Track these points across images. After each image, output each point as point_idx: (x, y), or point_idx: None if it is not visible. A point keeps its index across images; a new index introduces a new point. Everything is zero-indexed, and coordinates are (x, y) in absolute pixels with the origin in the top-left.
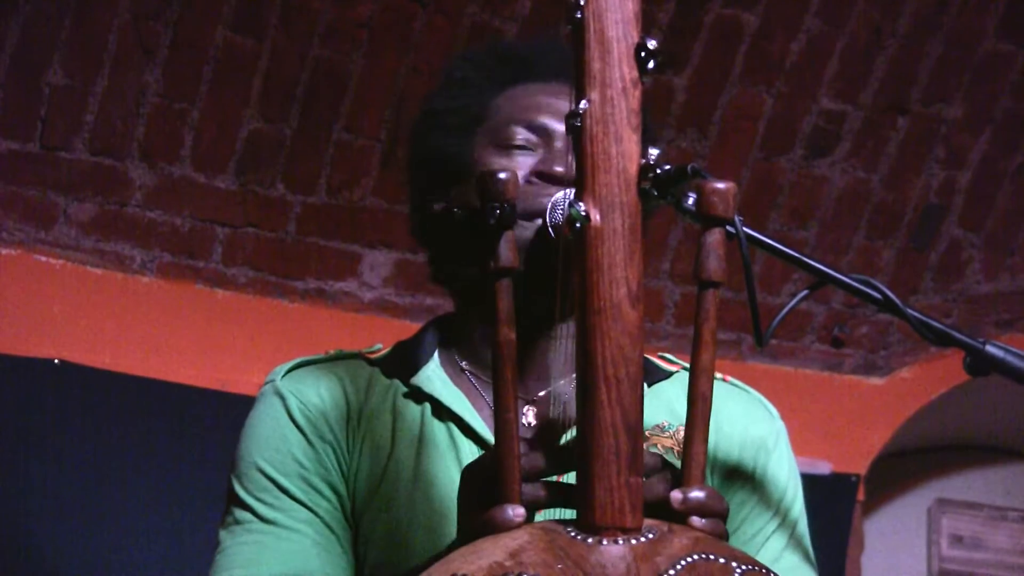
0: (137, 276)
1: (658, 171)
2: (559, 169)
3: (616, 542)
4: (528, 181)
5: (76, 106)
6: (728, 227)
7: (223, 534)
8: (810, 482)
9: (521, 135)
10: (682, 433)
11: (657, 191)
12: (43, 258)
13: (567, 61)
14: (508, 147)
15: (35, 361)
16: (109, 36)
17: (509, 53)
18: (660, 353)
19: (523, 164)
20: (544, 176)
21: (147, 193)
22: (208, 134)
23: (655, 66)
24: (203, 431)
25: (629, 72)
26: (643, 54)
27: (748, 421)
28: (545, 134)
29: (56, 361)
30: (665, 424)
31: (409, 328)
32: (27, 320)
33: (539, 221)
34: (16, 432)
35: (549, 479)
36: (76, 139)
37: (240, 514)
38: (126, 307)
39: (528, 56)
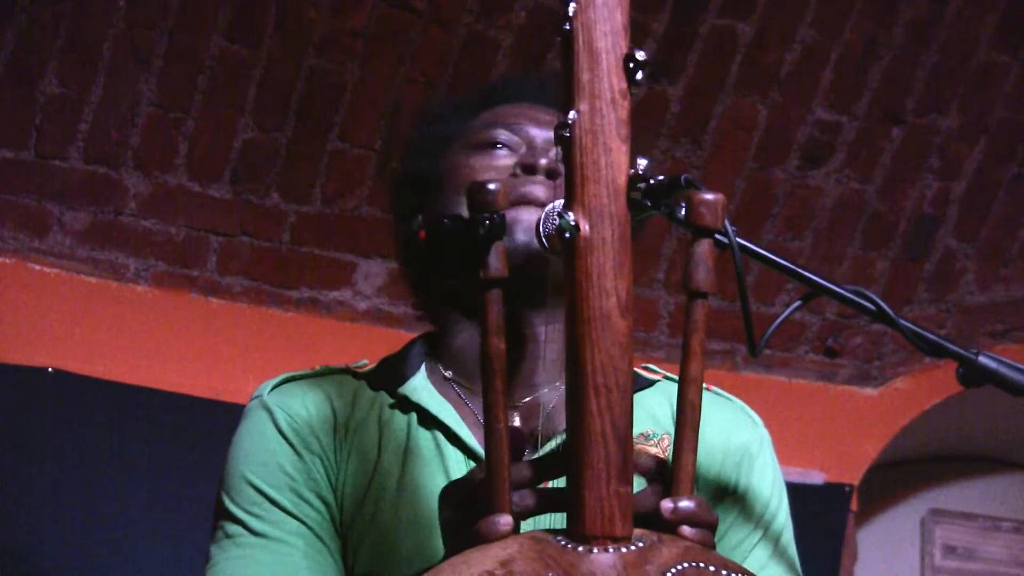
0: (131, 285)
1: (650, 181)
2: (543, 162)
3: (606, 551)
4: (512, 174)
5: (71, 115)
6: (722, 237)
7: (214, 549)
8: (803, 492)
9: (503, 135)
10: (667, 441)
11: (650, 201)
12: (37, 267)
13: (540, 87)
14: (488, 145)
15: (29, 370)
16: (104, 45)
17: (483, 86)
18: (643, 364)
19: (506, 164)
20: (527, 168)
21: (141, 202)
22: (203, 143)
23: (644, 77)
24: (197, 439)
25: (618, 83)
26: (632, 65)
27: (732, 429)
28: (528, 137)
29: (50, 370)
30: (649, 432)
31: (403, 337)
32: (21, 329)
33: (522, 211)
34: (10, 441)
35: (537, 486)
36: (71, 148)
37: (230, 528)
38: (120, 316)
39: (500, 84)
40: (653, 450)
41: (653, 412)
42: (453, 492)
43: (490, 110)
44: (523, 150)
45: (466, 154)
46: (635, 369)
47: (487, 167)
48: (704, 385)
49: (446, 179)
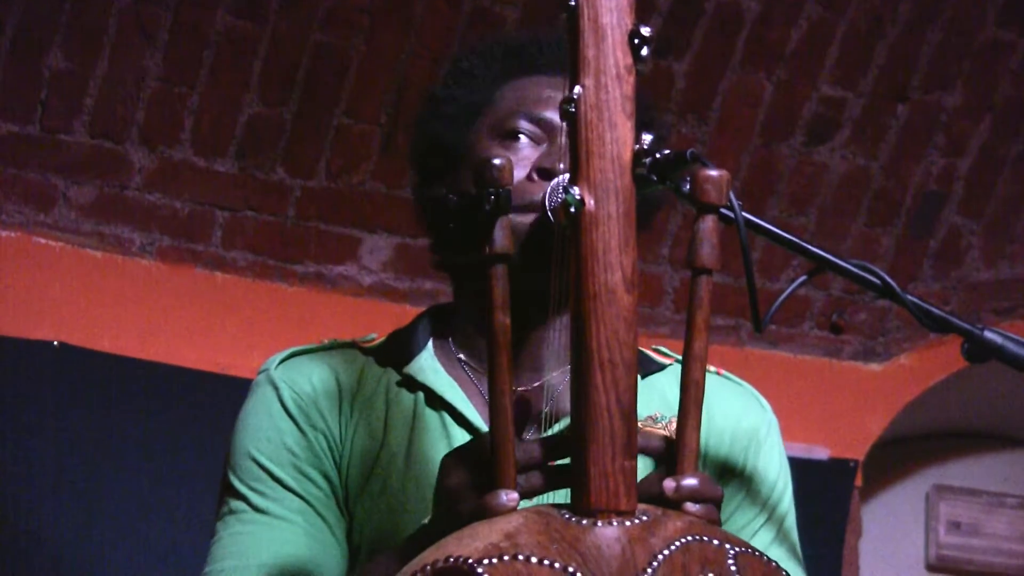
0: (136, 259)
1: (656, 156)
2: (562, 166)
3: (611, 524)
4: (529, 177)
5: (76, 89)
6: (727, 212)
7: (218, 525)
8: (808, 468)
9: (525, 127)
10: (675, 424)
11: (656, 177)
12: (43, 241)
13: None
14: (511, 136)
15: (34, 343)
16: (109, 20)
17: (514, 45)
18: (654, 346)
19: (526, 156)
20: (545, 173)
21: (147, 176)
22: (208, 118)
23: (649, 53)
24: (202, 414)
25: (623, 58)
26: (637, 41)
27: (740, 413)
28: (549, 128)
29: (55, 344)
30: (658, 415)
31: (408, 312)
32: (26, 303)
33: (535, 215)
34: (15, 414)
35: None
36: (76, 122)
37: (234, 504)
38: (125, 290)
39: (532, 49)
40: (661, 433)
41: (664, 395)
42: (457, 460)
43: (518, 83)
44: (544, 146)
45: (488, 137)
46: (647, 352)
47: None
48: (715, 369)
49: (467, 156)
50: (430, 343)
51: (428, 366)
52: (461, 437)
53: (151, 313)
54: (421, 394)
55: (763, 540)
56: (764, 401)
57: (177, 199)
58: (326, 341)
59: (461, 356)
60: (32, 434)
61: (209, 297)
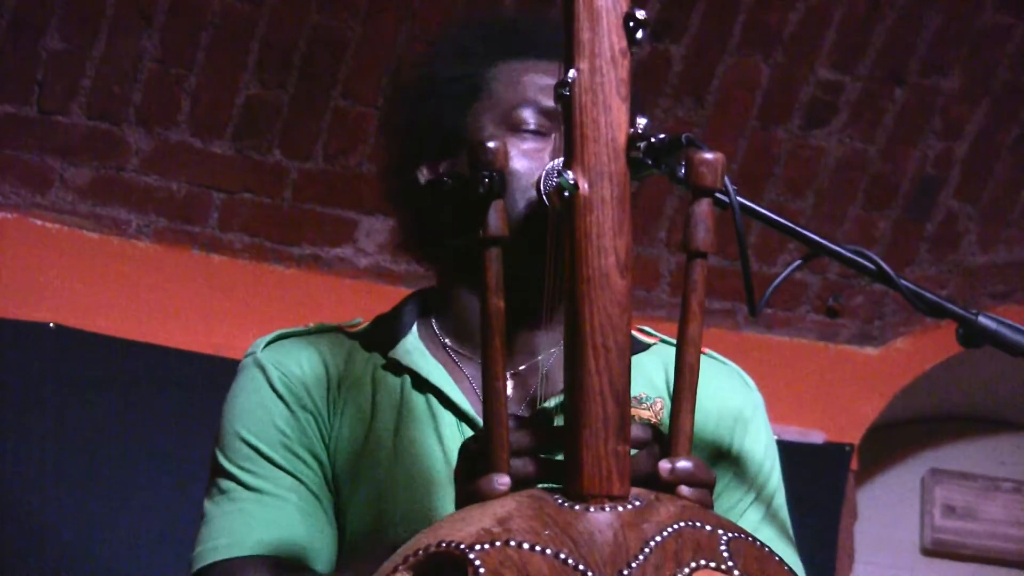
0: (133, 241)
1: (651, 140)
2: None
3: (603, 509)
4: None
5: (73, 70)
6: (723, 197)
7: (208, 505)
8: (803, 451)
9: (533, 119)
10: (659, 405)
11: (651, 161)
12: (39, 222)
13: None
14: (520, 130)
15: (31, 325)
16: (107, 1)
17: (510, 26)
18: (639, 326)
19: (534, 147)
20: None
21: (144, 158)
22: (205, 99)
23: (644, 36)
24: (198, 395)
25: (618, 42)
26: (632, 24)
27: (725, 393)
28: (556, 118)
29: (52, 325)
30: (643, 396)
31: (404, 295)
32: (23, 284)
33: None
34: (11, 396)
35: (537, 455)
36: (73, 103)
37: (224, 484)
38: (122, 272)
39: (528, 30)
40: (646, 413)
41: (648, 376)
42: (465, 446)
43: (515, 65)
44: (553, 136)
45: (494, 125)
46: (631, 332)
47: (519, 152)
48: None
49: (468, 140)
50: (415, 327)
51: (413, 349)
52: (448, 420)
53: (147, 295)
54: (407, 378)
55: (752, 519)
56: (749, 379)
57: (174, 181)
58: (311, 325)
59: (446, 341)
60: (28, 415)
61: (205, 279)
